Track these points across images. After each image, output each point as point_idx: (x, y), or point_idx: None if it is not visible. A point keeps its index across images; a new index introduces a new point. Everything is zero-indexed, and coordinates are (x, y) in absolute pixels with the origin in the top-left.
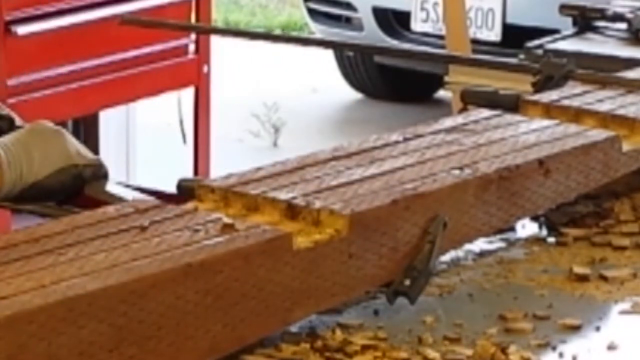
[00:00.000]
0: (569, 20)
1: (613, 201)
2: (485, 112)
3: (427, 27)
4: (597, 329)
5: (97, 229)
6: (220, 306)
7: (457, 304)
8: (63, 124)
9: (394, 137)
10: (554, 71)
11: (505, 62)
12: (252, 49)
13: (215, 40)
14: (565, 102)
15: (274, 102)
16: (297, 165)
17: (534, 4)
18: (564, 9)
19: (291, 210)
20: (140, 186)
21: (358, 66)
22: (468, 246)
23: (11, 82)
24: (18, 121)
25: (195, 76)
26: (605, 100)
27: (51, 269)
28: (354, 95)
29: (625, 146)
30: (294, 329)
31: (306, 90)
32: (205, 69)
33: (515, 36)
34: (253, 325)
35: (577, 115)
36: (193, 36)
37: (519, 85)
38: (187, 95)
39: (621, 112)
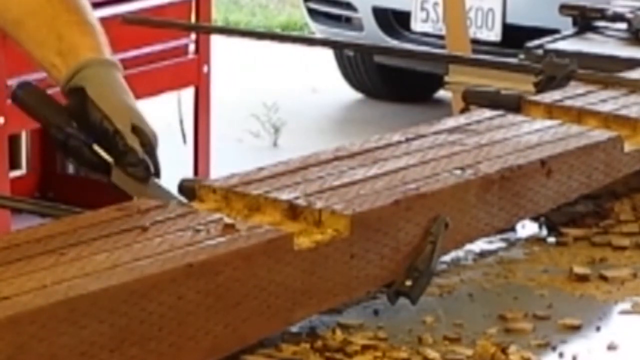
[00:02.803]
0: (569, 20)
1: (613, 201)
2: (488, 113)
3: (427, 27)
4: (597, 329)
5: (98, 229)
6: (222, 306)
7: (457, 304)
8: None
9: (396, 137)
10: (556, 71)
11: (507, 62)
12: (252, 49)
13: (215, 40)
14: (568, 103)
15: (274, 102)
16: (299, 165)
17: (534, 4)
18: (564, 9)
19: (293, 211)
20: None
21: (358, 66)
22: (468, 246)
23: (11, 82)
24: None
25: (195, 76)
26: (607, 101)
27: (53, 269)
28: (354, 95)
29: (628, 146)
30: (294, 329)
31: (306, 90)
32: (205, 69)
33: (515, 36)
34: (254, 326)
35: (579, 115)
36: (193, 36)
37: (519, 85)
38: (187, 95)
39: (623, 112)
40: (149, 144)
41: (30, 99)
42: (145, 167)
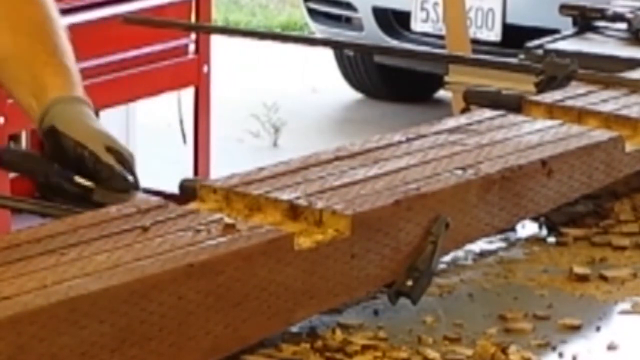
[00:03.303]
0: (569, 20)
1: (613, 201)
2: (488, 113)
3: (427, 27)
4: (597, 329)
5: (99, 229)
6: (222, 307)
7: (457, 304)
8: None
9: (397, 137)
10: (557, 71)
11: (508, 62)
12: (252, 49)
13: (215, 40)
14: (568, 103)
15: (274, 102)
16: (300, 165)
17: (534, 4)
18: (564, 9)
19: (293, 211)
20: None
21: (358, 66)
22: (468, 246)
23: None
24: None
25: (195, 76)
26: (608, 101)
27: (53, 269)
28: (354, 95)
29: (629, 146)
30: (294, 329)
31: (306, 90)
32: (205, 69)
33: (515, 36)
34: (255, 326)
35: (580, 115)
36: (193, 36)
37: (519, 85)
38: (187, 95)
39: (624, 112)
40: (125, 161)
41: (14, 159)
42: (123, 178)
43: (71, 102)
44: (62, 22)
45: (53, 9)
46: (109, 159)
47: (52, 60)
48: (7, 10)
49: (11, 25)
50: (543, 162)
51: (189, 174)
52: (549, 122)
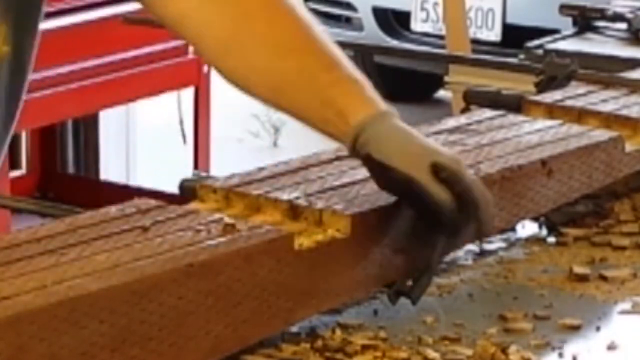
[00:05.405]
0: (569, 20)
1: (613, 201)
2: (488, 112)
3: (427, 27)
4: (597, 329)
5: (99, 229)
6: (222, 306)
7: (457, 304)
8: (63, 124)
9: None
10: (557, 71)
11: (508, 62)
12: None
13: None
14: (568, 103)
15: None
16: (300, 165)
17: (534, 4)
18: (564, 9)
19: (293, 211)
20: (141, 186)
21: (358, 66)
22: (468, 246)
23: None
24: None
25: (195, 76)
26: (608, 101)
27: (53, 269)
28: None
29: (629, 146)
30: (294, 329)
31: None
32: (205, 69)
33: (515, 36)
34: (255, 326)
35: (580, 115)
36: None
37: (519, 85)
38: (187, 95)
39: (624, 112)
40: (457, 181)
41: None
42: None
43: (377, 122)
44: (313, 19)
45: (300, 5)
46: (439, 191)
47: (334, 76)
48: (263, 31)
49: (275, 49)
50: (543, 162)
51: (188, 174)
52: (549, 122)
